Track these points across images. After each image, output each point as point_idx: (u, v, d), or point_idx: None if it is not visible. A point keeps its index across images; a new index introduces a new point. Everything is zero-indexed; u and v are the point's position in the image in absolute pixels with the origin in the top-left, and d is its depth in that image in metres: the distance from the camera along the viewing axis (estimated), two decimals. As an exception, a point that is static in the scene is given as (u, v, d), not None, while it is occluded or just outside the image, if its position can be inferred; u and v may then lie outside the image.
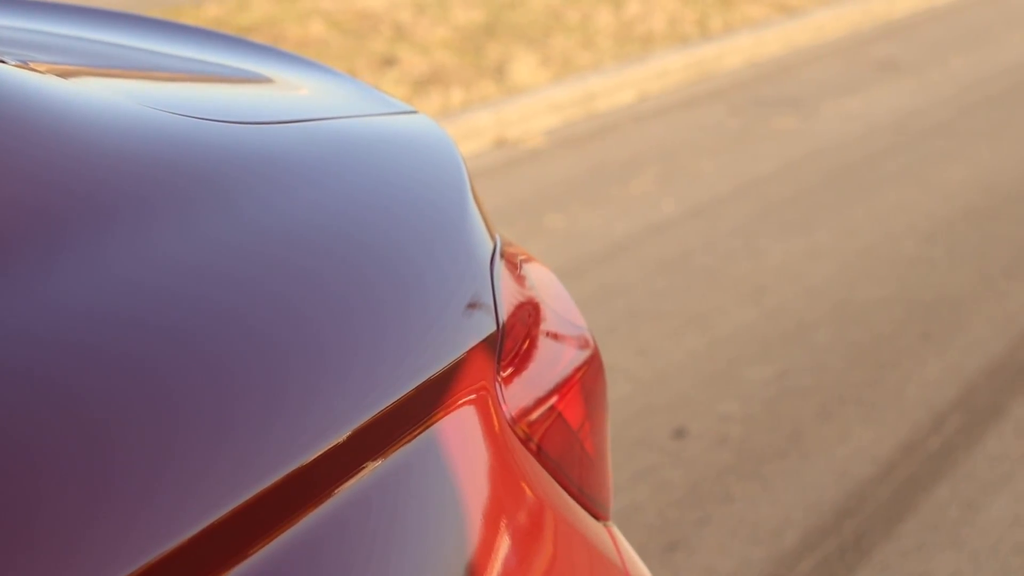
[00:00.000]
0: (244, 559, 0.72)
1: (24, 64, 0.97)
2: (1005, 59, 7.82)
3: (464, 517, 0.89)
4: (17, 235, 0.76)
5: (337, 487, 0.80)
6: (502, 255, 1.09)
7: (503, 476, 0.95)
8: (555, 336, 1.11)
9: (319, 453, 0.79)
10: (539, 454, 1.02)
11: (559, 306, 1.15)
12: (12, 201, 0.78)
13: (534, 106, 6.59)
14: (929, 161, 5.67)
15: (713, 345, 3.78)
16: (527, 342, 1.05)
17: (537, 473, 1.01)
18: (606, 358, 3.61)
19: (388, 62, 7.36)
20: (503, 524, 0.93)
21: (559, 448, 1.05)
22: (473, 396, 0.94)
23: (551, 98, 6.70)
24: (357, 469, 0.81)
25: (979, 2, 9.88)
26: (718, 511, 2.89)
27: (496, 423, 0.96)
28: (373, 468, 0.82)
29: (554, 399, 1.06)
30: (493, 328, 0.99)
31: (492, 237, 1.10)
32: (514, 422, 1.00)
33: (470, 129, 6.23)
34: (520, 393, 1.01)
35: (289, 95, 1.21)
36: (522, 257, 1.17)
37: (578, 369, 1.11)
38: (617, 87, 7.11)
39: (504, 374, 0.99)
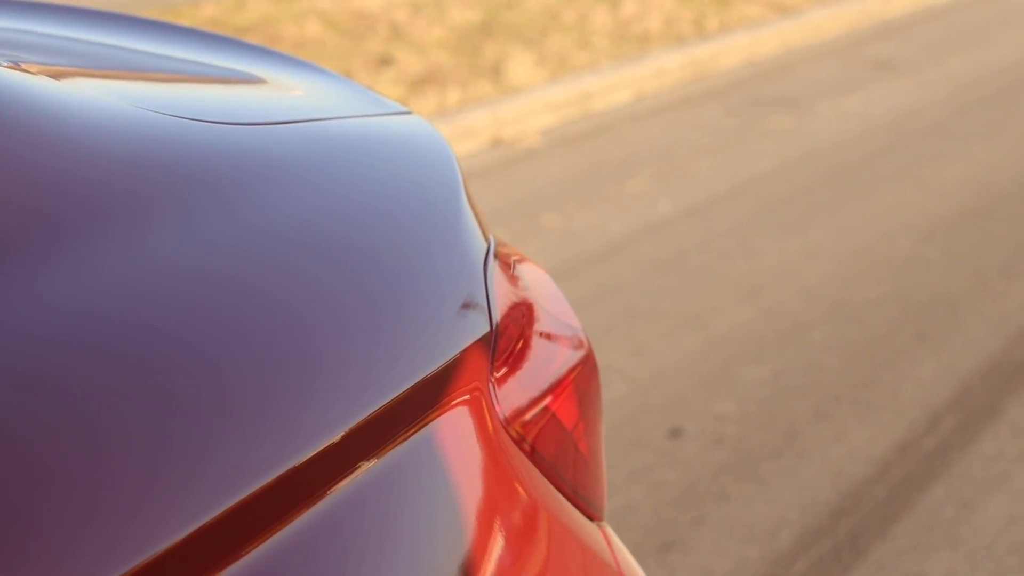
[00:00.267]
0: (238, 559, 0.73)
1: (16, 65, 0.96)
2: (1001, 58, 7.82)
3: (458, 517, 0.89)
4: (10, 236, 0.76)
5: (331, 487, 0.80)
6: (496, 255, 1.09)
7: (497, 476, 0.95)
8: (549, 336, 1.11)
9: (313, 453, 0.79)
10: (533, 455, 1.02)
11: (553, 307, 1.15)
12: (4, 202, 0.78)
13: (530, 106, 6.59)
14: (925, 160, 5.67)
15: (709, 345, 3.78)
16: (521, 342, 1.05)
17: (531, 474, 1.01)
18: (602, 358, 3.61)
19: (384, 62, 7.36)
20: (497, 524, 0.93)
21: (553, 449, 1.05)
22: (467, 397, 0.94)
23: (547, 98, 6.70)
24: (351, 469, 0.82)
25: (975, 1, 9.88)
26: (714, 511, 2.89)
27: (490, 423, 0.96)
28: (367, 468, 0.83)
29: (548, 400, 1.06)
30: (487, 328, 0.99)
31: (486, 237, 1.10)
32: (508, 423, 1.00)
33: (466, 129, 6.22)
34: (514, 393, 1.01)
35: (283, 96, 1.21)
36: (516, 257, 1.17)
37: (572, 369, 1.11)
38: (613, 87, 7.11)
39: (498, 374, 1.00)
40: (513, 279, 1.10)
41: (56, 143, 0.85)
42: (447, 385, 0.93)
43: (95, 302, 0.76)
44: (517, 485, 0.97)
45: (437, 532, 0.87)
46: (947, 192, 5.21)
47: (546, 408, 1.05)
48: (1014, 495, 2.92)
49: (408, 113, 1.21)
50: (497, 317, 1.02)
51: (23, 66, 0.99)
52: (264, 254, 0.87)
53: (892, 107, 6.70)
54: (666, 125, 6.52)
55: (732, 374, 3.57)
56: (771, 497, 2.94)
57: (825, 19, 8.97)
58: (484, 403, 0.96)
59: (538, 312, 1.11)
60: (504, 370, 1.01)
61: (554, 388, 1.07)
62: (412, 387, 0.88)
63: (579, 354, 1.14)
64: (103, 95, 0.99)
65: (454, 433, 0.92)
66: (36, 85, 0.92)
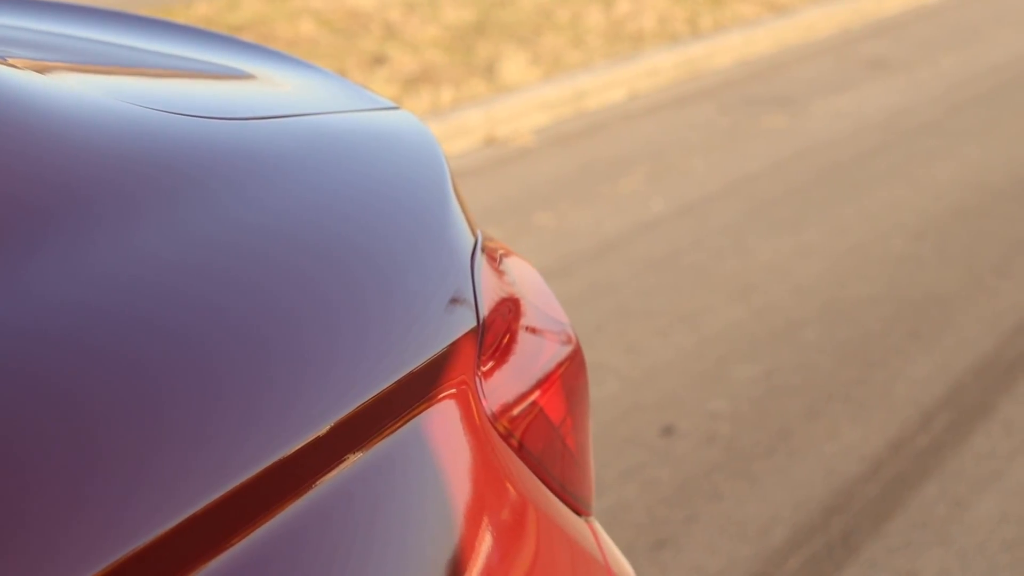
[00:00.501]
0: (227, 548, 0.73)
1: (2, 60, 0.96)
2: (994, 57, 7.83)
3: (446, 510, 0.89)
4: (-5, 230, 0.76)
5: (319, 479, 0.80)
6: (483, 250, 1.09)
7: (484, 470, 0.95)
8: (536, 331, 1.11)
9: (300, 445, 0.79)
10: (520, 450, 1.02)
11: (541, 302, 1.15)
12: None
13: (524, 104, 6.58)
14: (919, 159, 5.67)
15: (702, 343, 3.78)
16: (508, 337, 1.05)
17: (518, 468, 1.01)
18: (594, 356, 3.61)
19: (378, 61, 7.36)
20: (484, 518, 0.93)
21: (541, 444, 1.05)
22: (453, 390, 0.94)
23: (541, 96, 6.70)
24: (339, 462, 0.82)
25: (969, 0, 9.89)
26: (706, 509, 2.89)
27: (476, 417, 0.96)
28: (354, 461, 0.83)
29: (535, 394, 1.06)
30: (473, 323, 0.99)
31: (473, 232, 1.10)
32: (496, 418, 1.00)
33: (460, 128, 6.22)
34: (501, 388, 1.01)
35: (271, 91, 1.20)
36: (503, 252, 1.17)
37: (560, 364, 1.11)
38: (607, 85, 7.11)
39: (484, 368, 1.00)
40: (500, 274, 1.10)
41: (40, 137, 0.84)
42: (434, 379, 0.93)
43: (79, 296, 0.76)
44: (505, 479, 0.97)
45: (425, 524, 0.87)
46: (940, 191, 5.21)
47: (534, 403, 1.05)
48: (1006, 493, 2.92)
49: (396, 109, 1.21)
50: (484, 312, 1.02)
51: (9, 61, 0.98)
52: (251, 248, 0.87)
53: (885, 106, 6.70)
54: (659, 124, 6.52)
55: (725, 372, 3.57)
56: (764, 495, 2.94)
57: (819, 18, 8.97)
58: (471, 397, 0.97)
59: (525, 307, 1.11)
60: (491, 364, 1.01)
61: (541, 383, 1.07)
62: (399, 380, 0.89)
63: (567, 349, 1.13)
64: (90, 90, 0.99)
65: (441, 426, 0.92)
66: (21, 79, 0.91)
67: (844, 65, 7.80)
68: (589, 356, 3.59)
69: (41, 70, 1.00)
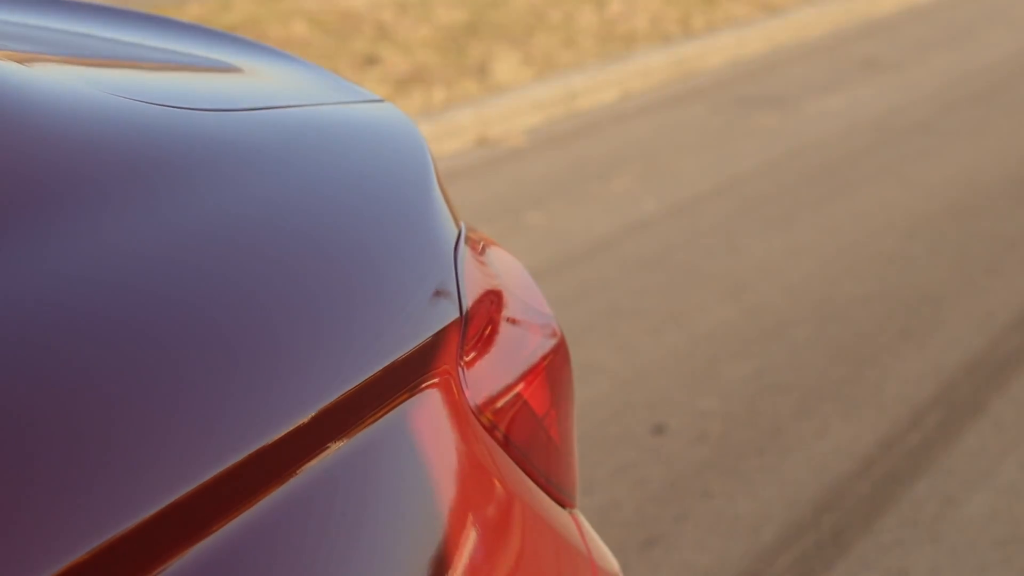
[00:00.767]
0: (207, 535, 0.73)
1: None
2: (986, 57, 7.84)
3: (429, 499, 0.89)
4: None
5: (301, 466, 0.80)
6: (467, 241, 1.09)
7: (467, 459, 0.95)
8: (520, 323, 1.11)
9: (283, 433, 0.79)
10: (504, 441, 1.02)
11: (525, 294, 1.15)
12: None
13: (516, 105, 6.58)
14: (910, 158, 5.68)
15: (693, 342, 3.78)
16: (490, 328, 1.05)
17: (502, 460, 1.00)
18: (586, 355, 3.61)
19: (370, 61, 7.36)
20: (468, 508, 0.92)
21: (525, 435, 1.05)
22: (436, 380, 0.94)
23: (533, 97, 6.70)
24: (321, 449, 0.82)
25: (961, 0, 9.90)
26: (697, 507, 2.89)
27: (459, 408, 0.96)
28: (337, 448, 0.83)
29: (520, 386, 1.06)
30: (456, 314, 0.99)
31: (457, 224, 1.09)
32: (480, 410, 0.99)
33: (452, 128, 6.22)
34: (484, 379, 1.01)
35: (254, 83, 1.20)
36: (487, 244, 1.16)
37: (544, 357, 1.11)
38: (599, 86, 7.11)
39: (467, 359, 0.99)
40: (484, 266, 1.10)
41: (17, 125, 0.84)
42: (417, 369, 0.93)
43: (52, 286, 0.75)
44: (488, 470, 0.97)
45: (408, 513, 0.87)
46: (932, 190, 5.21)
47: (518, 395, 1.05)
48: (997, 490, 2.92)
49: (381, 101, 1.21)
50: (467, 303, 1.01)
51: (-12, 51, 0.98)
52: (233, 238, 0.87)
53: (878, 105, 6.71)
54: (651, 124, 6.52)
55: (716, 371, 3.57)
56: (754, 493, 2.93)
57: (811, 18, 8.98)
58: (454, 387, 0.96)
59: (509, 299, 1.11)
60: (473, 355, 1.01)
61: (526, 375, 1.07)
62: (382, 370, 0.89)
63: (551, 341, 1.13)
64: (70, 80, 0.99)
65: (424, 416, 0.92)
66: (-1, 69, 0.91)
67: (836, 65, 7.80)
68: (580, 355, 3.59)
69: (22, 61, 1.00)
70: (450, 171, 5.68)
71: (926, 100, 6.78)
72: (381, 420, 0.87)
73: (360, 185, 1.02)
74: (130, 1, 8.34)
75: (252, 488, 0.76)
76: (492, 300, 1.07)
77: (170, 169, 0.89)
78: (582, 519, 1.12)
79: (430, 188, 1.07)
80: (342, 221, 0.96)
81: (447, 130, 6.18)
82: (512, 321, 1.09)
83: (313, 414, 0.82)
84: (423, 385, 0.93)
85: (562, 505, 1.09)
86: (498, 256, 1.16)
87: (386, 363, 0.89)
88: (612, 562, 1.14)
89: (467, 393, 0.98)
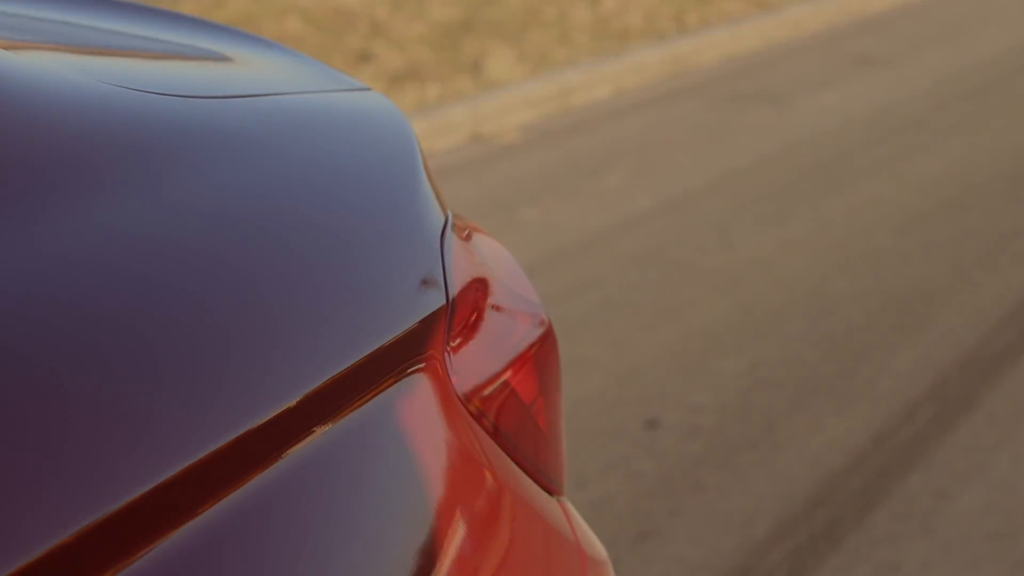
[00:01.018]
0: (192, 519, 0.72)
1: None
2: (980, 53, 7.84)
3: (415, 484, 0.89)
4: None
5: (287, 450, 0.80)
6: (453, 229, 1.09)
7: (454, 445, 0.95)
8: (507, 311, 1.11)
9: (269, 417, 0.79)
10: (492, 429, 1.02)
11: (512, 282, 1.15)
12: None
13: (510, 101, 6.58)
14: (904, 155, 5.68)
15: (686, 337, 3.77)
16: (477, 316, 1.05)
17: (490, 448, 1.00)
18: (579, 350, 3.61)
19: (364, 58, 7.35)
20: (455, 493, 0.92)
21: (512, 423, 1.05)
22: (422, 366, 0.94)
23: (527, 93, 6.69)
24: (307, 434, 0.82)
25: (955, -2, 9.91)
26: (690, 501, 2.89)
27: (446, 394, 0.96)
28: (323, 432, 0.83)
29: (507, 374, 1.06)
30: (443, 301, 0.99)
31: (444, 211, 1.09)
32: (468, 398, 0.99)
33: (446, 124, 6.22)
34: (472, 367, 1.01)
35: (240, 71, 1.20)
36: (474, 232, 1.16)
37: (532, 345, 1.10)
38: (593, 82, 7.11)
39: (453, 344, 0.99)
40: (471, 253, 1.10)
41: (5, 112, 0.84)
42: (403, 354, 0.93)
43: (37, 269, 0.75)
44: (475, 456, 0.97)
45: (395, 498, 0.87)
46: (925, 186, 5.21)
47: (505, 383, 1.05)
48: (990, 484, 2.92)
49: (367, 89, 1.20)
50: (454, 290, 1.01)
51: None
52: (219, 224, 0.87)
53: (871, 102, 6.71)
54: (645, 120, 6.52)
55: (709, 366, 3.57)
56: (747, 487, 2.93)
57: (805, 15, 8.98)
58: (440, 373, 0.96)
59: (495, 286, 1.11)
60: (459, 341, 1.01)
61: (513, 363, 1.07)
62: (368, 355, 0.89)
63: (539, 330, 1.13)
64: (56, 67, 0.98)
65: (410, 401, 0.92)
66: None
67: (830, 62, 7.81)
68: (574, 350, 3.59)
69: (11, 49, 0.99)
70: (444, 167, 5.67)
71: (920, 97, 6.79)
72: (367, 405, 0.88)
73: (346, 172, 1.02)
74: None
75: (238, 471, 0.76)
76: (479, 287, 1.07)
77: (157, 155, 0.89)
78: (569, 506, 1.12)
79: (417, 175, 1.07)
80: (328, 207, 0.96)
81: (441, 127, 6.18)
82: (499, 309, 1.09)
83: (299, 398, 0.82)
84: (409, 371, 0.93)
85: (550, 493, 1.09)
86: (486, 244, 1.16)
87: (372, 349, 0.89)
88: (600, 549, 1.13)
89: (454, 380, 0.98)
